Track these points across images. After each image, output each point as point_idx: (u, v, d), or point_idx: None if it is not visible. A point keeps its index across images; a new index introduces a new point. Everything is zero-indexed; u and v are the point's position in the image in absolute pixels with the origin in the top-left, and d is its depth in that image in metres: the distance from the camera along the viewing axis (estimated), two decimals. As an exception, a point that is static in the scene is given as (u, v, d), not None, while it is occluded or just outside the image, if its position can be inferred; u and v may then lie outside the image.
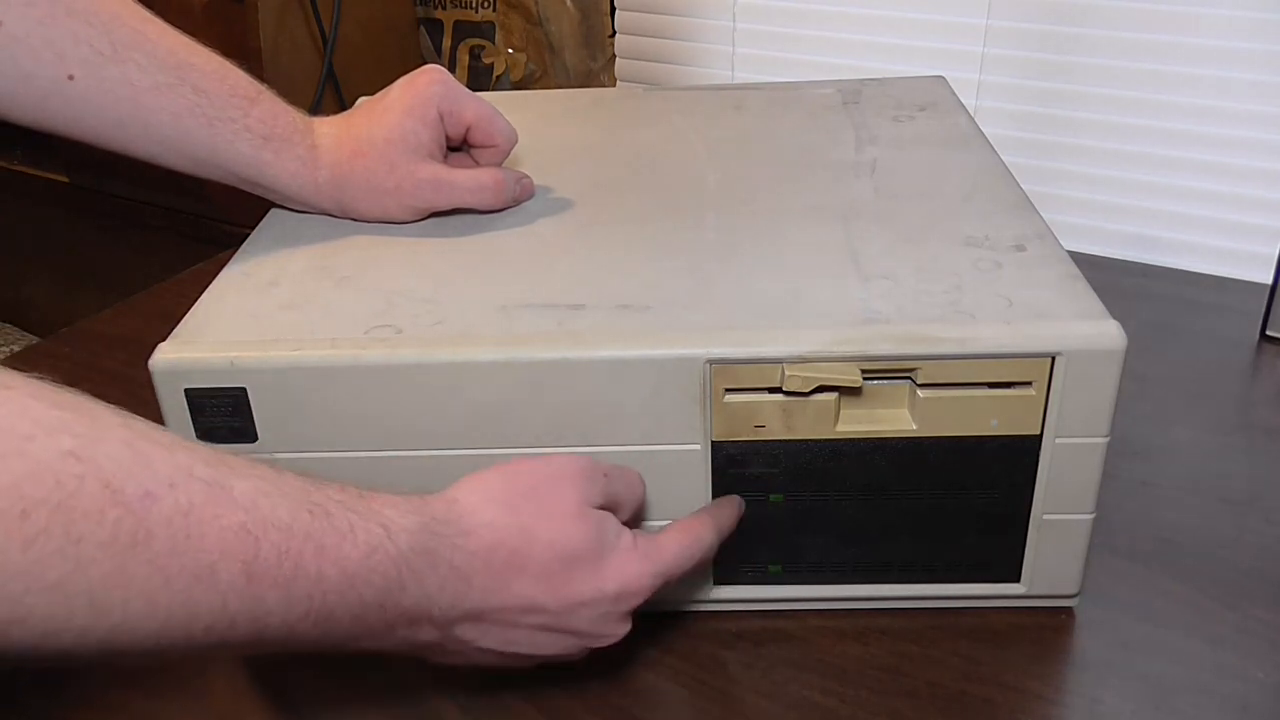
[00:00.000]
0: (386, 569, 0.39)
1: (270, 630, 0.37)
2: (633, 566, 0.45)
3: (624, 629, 0.46)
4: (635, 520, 0.50)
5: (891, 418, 0.50)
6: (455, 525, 0.42)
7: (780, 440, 0.50)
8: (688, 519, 0.50)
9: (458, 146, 0.64)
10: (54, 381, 0.35)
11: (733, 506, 0.52)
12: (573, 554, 0.44)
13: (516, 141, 0.64)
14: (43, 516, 0.31)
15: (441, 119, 0.61)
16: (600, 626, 0.46)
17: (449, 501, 0.43)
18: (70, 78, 0.54)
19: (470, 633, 0.44)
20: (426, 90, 0.60)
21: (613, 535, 0.45)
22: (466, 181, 0.60)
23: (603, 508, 0.46)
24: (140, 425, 0.35)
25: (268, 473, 0.38)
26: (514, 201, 0.62)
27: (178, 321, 0.52)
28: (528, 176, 0.63)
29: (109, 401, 0.36)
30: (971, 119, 0.72)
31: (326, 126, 0.61)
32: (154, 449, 0.34)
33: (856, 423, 0.50)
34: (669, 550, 0.47)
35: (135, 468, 0.33)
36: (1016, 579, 0.54)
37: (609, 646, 0.47)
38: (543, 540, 0.43)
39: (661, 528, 0.53)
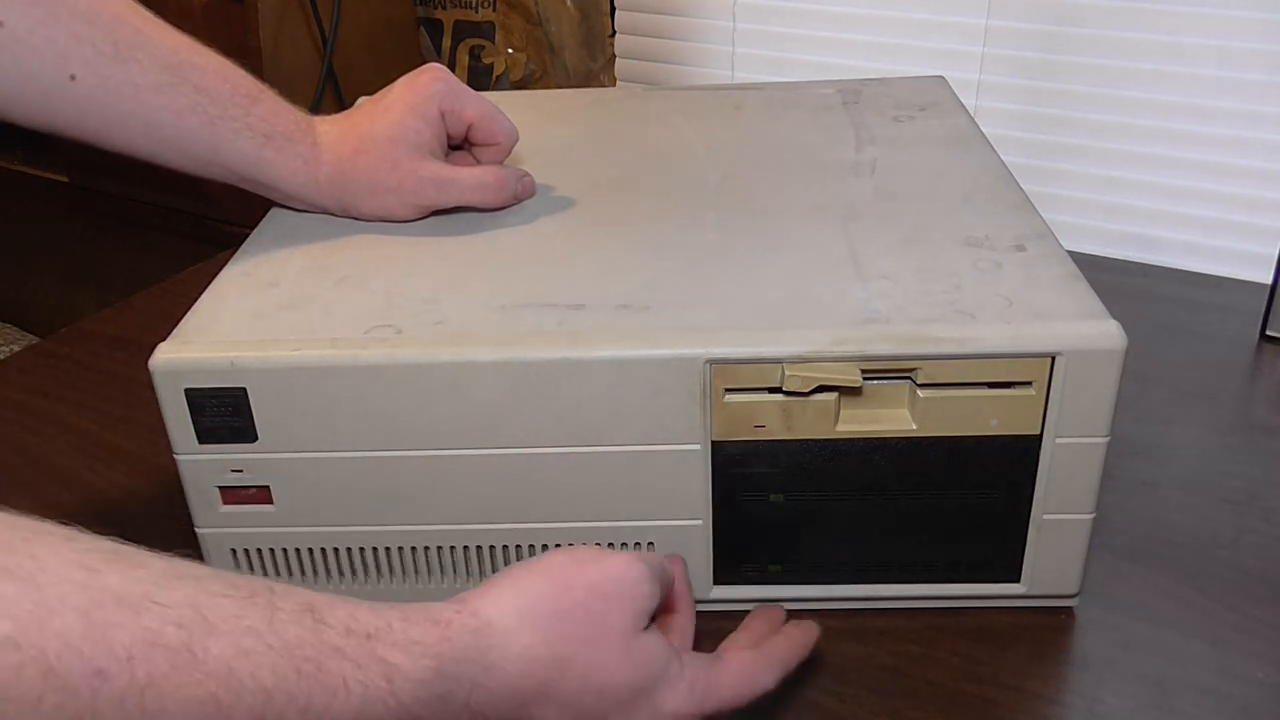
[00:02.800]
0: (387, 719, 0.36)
1: None
2: (678, 702, 0.41)
3: None
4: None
5: (891, 418, 0.50)
6: (479, 662, 0.38)
7: (780, 440, 0.50)
8: (753, 652, 0.46)
9: (459, 145, 0.64)
10: (14, 523, 0.31)
11: (804, 636, 0.49)
12: (609, 689, 0.40)
13: (518, 139, 0.64)
14: None
15: (443, 117, 0.61)
16: None
17: (478, 628, 0.39)
18: (72, 78, 0.54)
19: None
20: (428, 88, 0.60)
21: (659, 665, 0.41)
22: (468, 179, 0.60)
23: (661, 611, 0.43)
24: (110, 580, 0.32)
25: (258, 621, 0.34)
26: (515, 199, 0.62)
27: (178, 321, 0.52)
28: (529, 174, 0.63)
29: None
30: (971, 119, 0.72)
31: (328, 125, 0.61)
32: (116, 614, 0.31)
33: (856, 423, 0.50)
34: (723, 689, 0.43)
35: (87, 644, 0.30)
36: (1016, 579, 0.54)
37: None
38: (578, 673, 0.40)
39: (660, 526, 0.53)
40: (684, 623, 0.48)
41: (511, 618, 0.40)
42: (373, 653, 0.36)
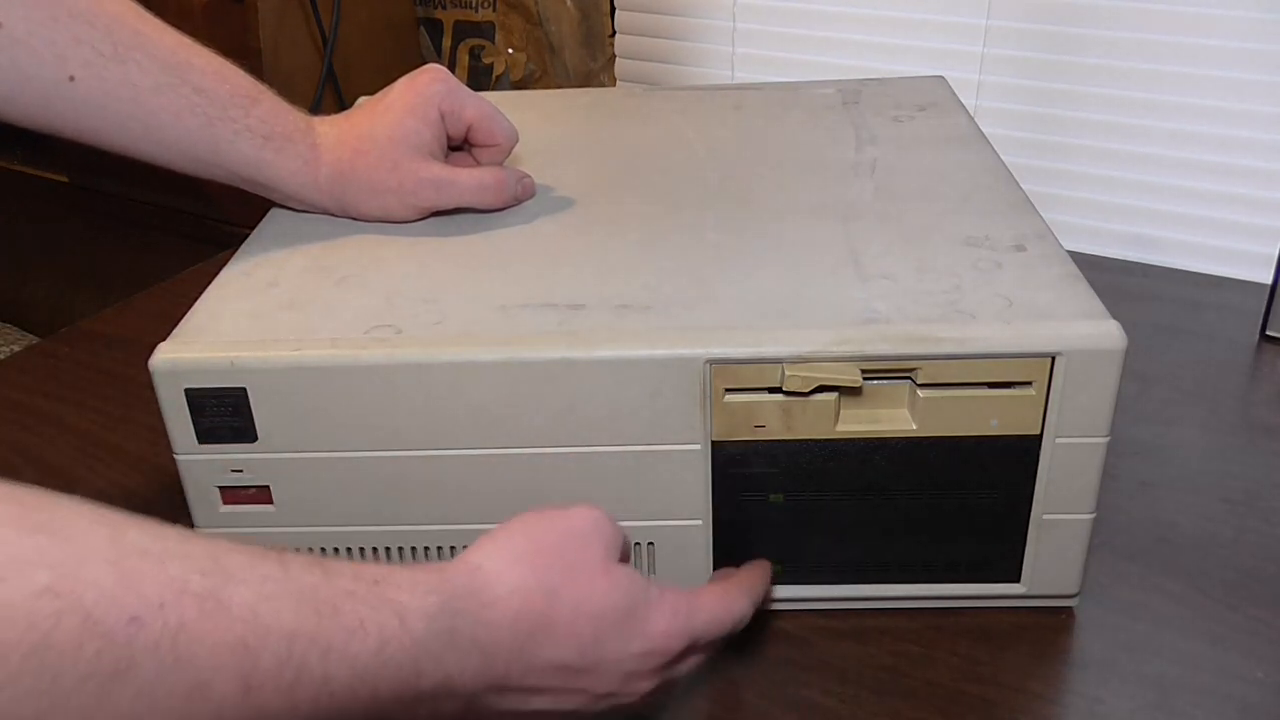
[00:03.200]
0: (401, 660, 0.37)
1: None
2: (661, 623, 0.43)
3: (648, 685, 0.44)
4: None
5: (891, 418, 0.50)
6: (478, 597, 0.40)
7: (780, 440, 0.50)
8: (724, 583, 0.48)
9: (459, 145, 0.64)
10: (35, 490, 0.32)
11: (763, 572, 0.51)
12: (599, 613, 0.42)
13: (517, 140, 0.64)
14: (15, 661, 0.29)
15: (443, 118, 0.61)
16: (624, 684, 0.43)
17: (471, 570, 0.41)
18: (71, 79, 0.54)
19: (494, 700, 0.42)
20: (428, 89, 0.60)
21: (639, 589, 0.43)
22: (468, 180, 0.60)
23: (622, 559, 0.44)
24: (132, 535, 0.33)
25: (273, 570, 0.36)
26: (515, 200, 0.62)
27: (178, 321, 0.52)
28: (529, 176, 0.63)
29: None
30: (971, 119, 0.72)
31: (328, 126, 0.61)
32: (143, 565, 0.33)
33: (856, 423, 0.50)
34: (700, 611, 0.45)
35: (120, 592, 0.31)
36: (1016, 579, 0.54)
37: (629, 704, 0.44)
38: (569, 602, 0.41)
39: (660, 526, 0.53)
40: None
41: (498, 560, 0.42)
42: (382, 595, 0.37)
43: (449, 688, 0.39)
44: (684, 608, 0.44)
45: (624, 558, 0.45)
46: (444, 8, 1.70)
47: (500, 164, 0.63)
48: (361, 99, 0.79)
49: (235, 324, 0.52)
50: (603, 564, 0.43)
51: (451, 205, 0.61)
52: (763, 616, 0.55)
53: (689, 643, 0.44)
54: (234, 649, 0.33)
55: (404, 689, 0.38)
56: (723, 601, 0.46)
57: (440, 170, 0.60)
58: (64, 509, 0.32)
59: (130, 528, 0.34)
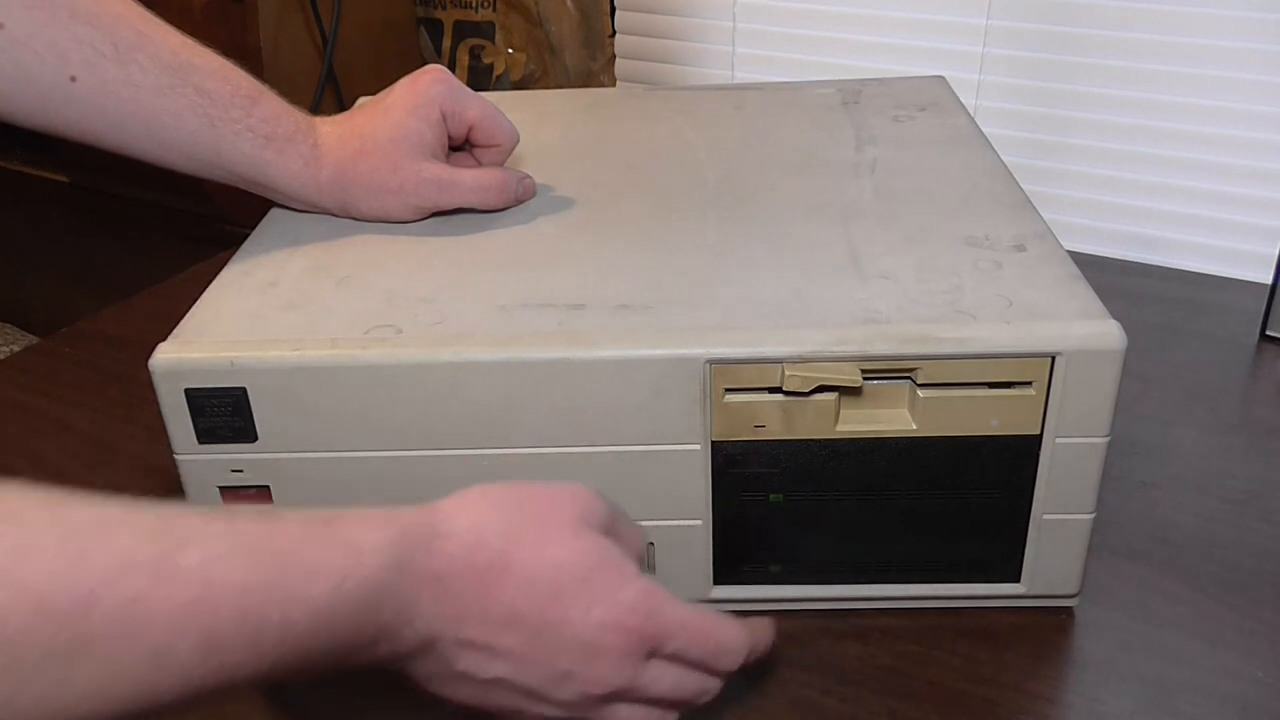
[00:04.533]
0: (359, 595, 0.38)
1: (243, 678, 0.36)
2: (629, 594, 0.41)
3: (607, 674, 0.42)
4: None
5: (891, 418, 0.50)
6: (431, 530, 0.40)
7: (780, 440, 0.50)
8: (718, 614, 0.45)
9: (460, 146, 0.64)
10: None
11: (766, 626, 0.48)
12: (560, 566, 0.41)
13: (519, 141, 0.64)
14: None
15: (444, 118, 0.61)
16: (584, 660, 0.41)
17: (428, 510, 0.41)
18: (73, 79, 0.54)
19: (456, 656, 0.41)
20: (429, 90, 0.60)
21: (613, 555, 0.42)
22: (470, 181, 0.61)
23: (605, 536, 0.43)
24: (78, 513, 0.34)
25: (220, 527, 0.36)
26: (516, 201, 0.62)
27: (178, 321, 0.52)
28: (529, 176, 0.63)
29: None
30: (971, 119, 0.72)
31: (329, 126, 0.61)
32: (91, 542, 0.33)
33: (856, 423, 0.50)
34: (683, 610, 0.42)
35: (69, 572, 0.32)
36: (1016, 579, 0.54)
37: (596, 698, 0.42)
38: (530, 546, 0.41)
39: (660, 526, 0.53)
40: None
41: (459, 500, 0.42)
42: (333, 534, 0.38)
43: (408, 618, 0.40)
44: (660, 596, 0.42)
45: (608, 534, 0.43)
46: (444, 8, 1.70)
47: (501, 164, 0.64)
48: (362, 99, 0.79)
49: (235, 324, 0.52)
50: (572, 524, 0.42)
51: (452, 206, 0.61)
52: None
53: (658, 631, 0.42)
54: (190, 611, 0.34)
55: (364, 622, 0.38)
56: (710, 620, 0.44)
57: (441, 171, 0.60)
58: (8, 496, 0.33)
59: (75, 506, 0.34)
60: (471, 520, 0.41)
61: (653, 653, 0.42)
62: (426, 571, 0.40)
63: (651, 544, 0.53)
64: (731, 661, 0.45)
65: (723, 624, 0.44)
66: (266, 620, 0.36)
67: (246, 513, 0.38)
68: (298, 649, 0.37)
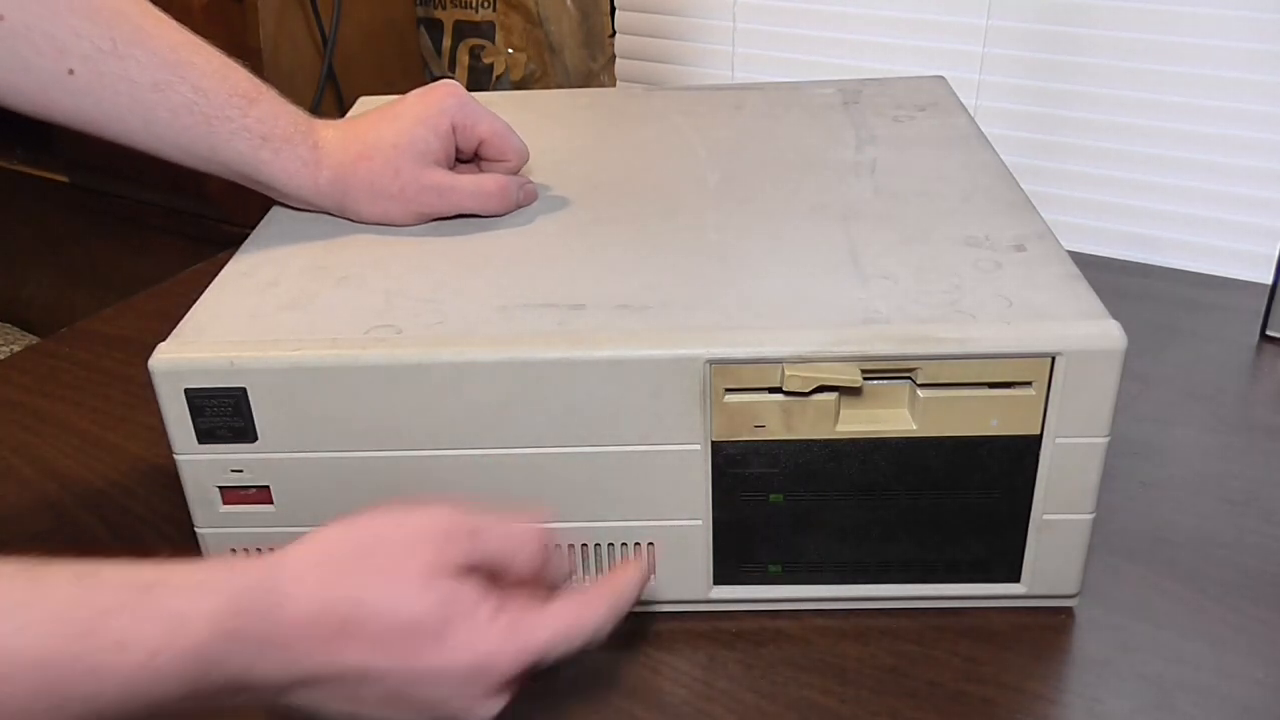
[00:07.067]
0: (180, 665, 0.37)
1: None
2: (491, 640, 0.41)
3: (492, 707, 0.42)
4: (542, 583, 0.46)
5: (891, 418, 0.50)
6: (271, 595, 0.39)
7: (780, 440, 0.50)
8: (580, 595, 0.45)
9: (468, 160, 0.64)
10: None
11: (629, 576, 0.47)
12: (410, 624, 0.40)
13: (528, 159, 0.64)
14: None
15: (454, 131, 0.61)
16: (458, 704, 0.42)
17: (272, 565, 0.40)
18: (70, 72, 0.54)
19: (311, 696, 0.41)
20: (442, 102, 0.61)
21: (467, 605, 0.41)
22: (470, 186, 0.61)
23: (474, 569, 0.42)
24: None
25: (26, 595, 0.35)
26: (517, 206, 0.62)
27: (178, 321, 0.52)
28: (531, 182, 0.63)
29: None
30: (971, 119, 0.72)
31: (332, 130, 0.61)
32: None
33: (856, 423, 0.50)
34: (542, 629, 0.43)
35: None
36: (1016, 579, 0.54)
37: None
38: (373, 608, 0.40)
39: (660, 526, 0.53)
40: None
41: (304, 559, 0.41)
42: (154, 602, 0.37)
43: (246, 682, 0.39)
44: (522, 627, 0.42)
45: (483, 569, 0.43)
46: (444, 8, 1.70)
47: None
48: (362, 99, 0.79)
49: (235, 324, 0.52)
50: (421, 573, 0.41)
51: (453, 211, 0.61)
52: (763, 616, 0.55)
53: (531, 660, 0.42)
54: None
55: (197, 687, 0.37)
56: (572, 616, 0.44)
57: (442, 176, 0.60)
58: None
59: None
60: (313, 584, 0.40)
61: (530, 672, 0.43)
62: (265, 638, 0.39)
63: (651, 544, 0.53)
64: (605, 634, 0.45)
65: (587, 614, 0.44)
66: (70, 694, 0.35)
67: (59, 576, 0.36)
68: (116, 716, 0.36)
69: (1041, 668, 0.52)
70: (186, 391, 0.50)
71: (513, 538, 0.44)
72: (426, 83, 0.63)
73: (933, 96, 0.76)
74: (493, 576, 0.43)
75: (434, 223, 0.61)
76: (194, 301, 0.54)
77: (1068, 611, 0.55)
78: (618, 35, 1.58)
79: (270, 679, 0.39)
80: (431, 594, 0.41)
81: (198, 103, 0.57)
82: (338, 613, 0.40)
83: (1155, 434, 0.67)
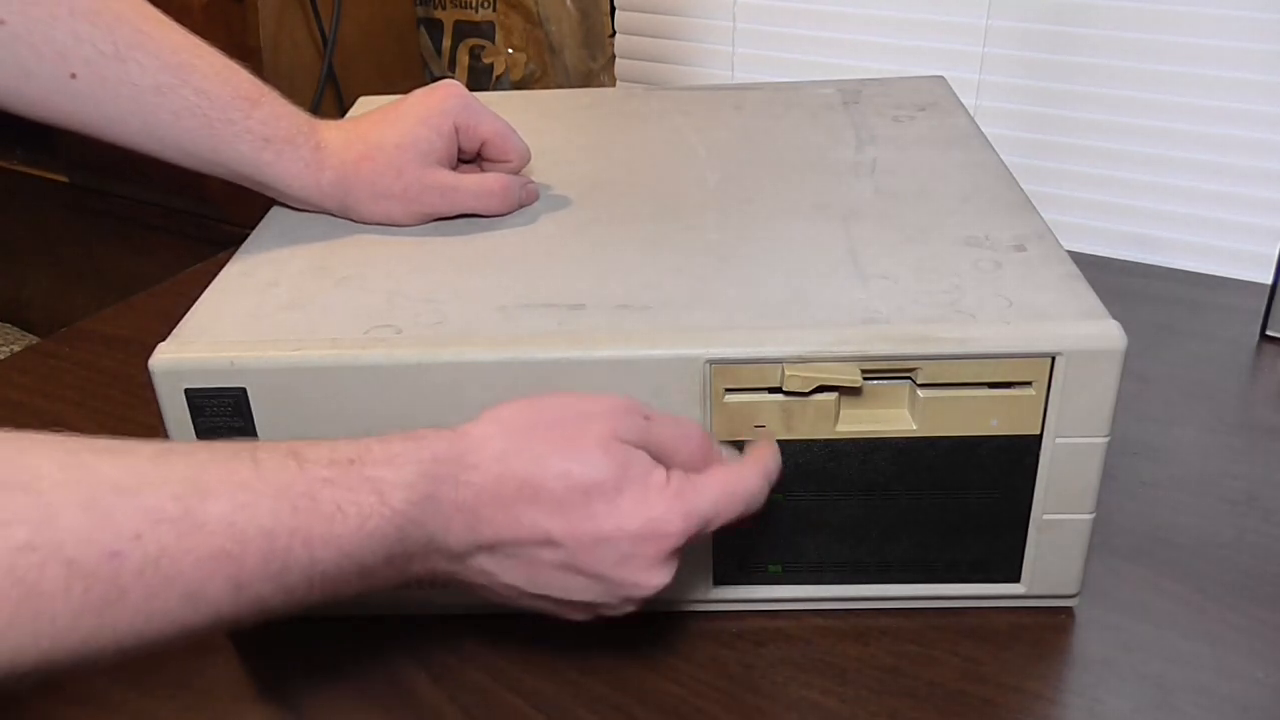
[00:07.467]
0: (385, 531, 0.40)
1: (274, 611, 0.38)
2: (661, 504, 0.42)
3: (660, 578, 0.43)
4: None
5: (891, 418, 0.50)
6: (459, 461, 0.42)
7: (780, 440, 0.50)
8: (734, 465, 0.46)
9: (470, 160, 0.64)
10: (3, 440, 0.34)
11: (775, 448, 0.49)
12: (589, 484, 0.42)
13: (530, 159, 0.64)
14: (7, 612, 0.32)
15: (457, 132, 0.61)
16: (629, 571, 0.43)
17: (460, 435, 0.43)
18: (72, 76, 0.54)
19: (489, 564, 0.43)
20: (444, 103, 0.61)
21: (640, 470, 0.43)
22: (472, 186, 0.61)
23: (644, 447, 0.44)
24: (104, 470, 0.35)
25: (246, 475, 0.38)
26: (519, 206, 0.62)
27: (178, 321, 0.52)
28: (532, 181, 0.64)
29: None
30: (971, 119, 0.72)
31: (334, 131, 0.61)
32: (115, 500, 0.35)
33: (856, 423, 0.50)
34: (708, 491, 0.44)
35: (96, 531, 0.34)
36: (1016, 579, 0.54)
37: (652, 597, 0.44)
38: (556, 469, 0.42)
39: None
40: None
41: (487, 426, 0.43)
42: (359, 474, 0.40)
43: (438, 546, 0.42)
44: (688, 492, 0.43)
45: (648, 451, 0.44)
46: (444, 8, 1.70)
47: None
48: (362, 99, 0.79)
49: (235, 324, 0.52)
50: (599, 439, 0.43)
51: (455, 211, 0.61)
52: (763, 616, 0.55)
53: (697, 526, 0.43)
54: (217, 558, 0.36)
55: (393, 553, 0.40)
56: (730, 480, 0.45)
57: (446, 176, 0.60)
58: (35, 457, 0.34)
59: (103, 463, 0.35)
60: (498, 449, 0.42)
61: (692, 540, 0.44)
62: (454, 503, 0.41)
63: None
64: (761, 502, 0.46)
65: (745, 480, 0.46)
66: (293, 560, 0.38)
67: (273, 456, 0.39)
68: (326, 582, 0.39)
69: (1041, 668, 0.52)
70: (186, 391, 0.50)
71: (682, 428, 0.46)
72: (426, 83, 0.63)
73: (933, 96, 0.76)
74: (658, 460, 0.45)
75: (434, 223, 0.61)
76: (194, 301, 0.54)
77: (1068, 611, 0.55)
78: (618, 35, 1.58)
79: (457, 543, 0.42)
80: (609, 457, 0.42)
81: (200, 105, 0.57)
82: (519, 475, 0.42)
83: (1155, 434, 0.67)
